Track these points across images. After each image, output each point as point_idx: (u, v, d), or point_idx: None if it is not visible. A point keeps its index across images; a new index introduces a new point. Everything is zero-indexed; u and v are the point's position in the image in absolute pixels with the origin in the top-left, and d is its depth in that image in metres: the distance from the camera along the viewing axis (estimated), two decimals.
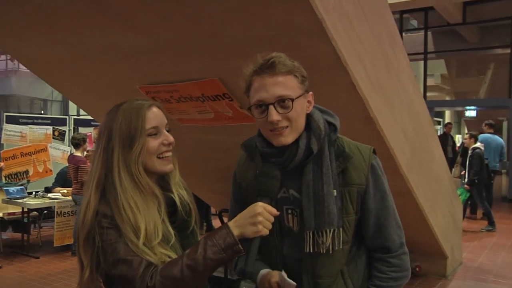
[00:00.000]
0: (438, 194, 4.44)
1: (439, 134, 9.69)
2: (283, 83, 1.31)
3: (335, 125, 1.44)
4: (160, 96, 3.53)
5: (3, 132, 6.64)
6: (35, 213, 6.50)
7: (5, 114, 6.83)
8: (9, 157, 6.43)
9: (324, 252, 1.37)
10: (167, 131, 1.36)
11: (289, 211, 1.42)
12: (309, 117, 1.40)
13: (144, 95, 3.53)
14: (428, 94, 16.50)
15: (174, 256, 1.26)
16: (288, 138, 1.34)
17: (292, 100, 1.31)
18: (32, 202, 5.92)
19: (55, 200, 5.95)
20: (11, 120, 6.70)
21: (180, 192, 1.39)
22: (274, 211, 1.26)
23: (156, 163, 1.32)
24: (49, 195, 6.22)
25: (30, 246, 6.19)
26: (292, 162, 1.37)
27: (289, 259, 1.42)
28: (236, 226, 1.23)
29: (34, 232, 6.78)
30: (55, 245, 5.76)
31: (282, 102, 1.31)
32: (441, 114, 19.45)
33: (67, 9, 2.76)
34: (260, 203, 1.25)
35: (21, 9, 2.91)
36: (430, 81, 17.46)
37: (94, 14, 2.74)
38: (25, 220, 6.18)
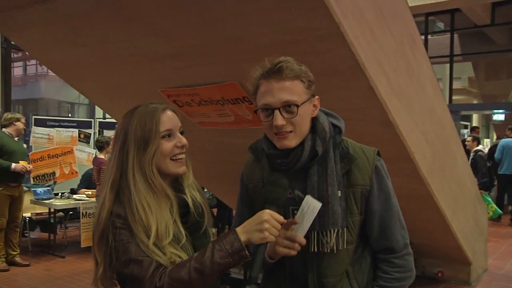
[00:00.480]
0: (460, 199, 4.37)
1: (464, 138, 9.50)
2: (290, 89, 1.33)
3: (340, 127, 1.47)
4: (181, 99, 3.59)
5: (32, 134, 6.83)
6: (61, 213, 6.66)
7: (34, 117, 7.03)
8: (37, 159, 6.62)
9: (329, 251, 1.39)
10: (181, 133, 1.40)
11: (295, 212, 1.44)
12: (314, 120, 1.42)
13: (166, 98, 3.59)
14: (454, 97, 16.21)
15: (184, 256, 1.29)
16: (291, 142, 1.37)
17: (298, 106, 1.33)
18: (58, 203, 6.08)
19: (80, 201, 6.08)
20: (39, 123, 6.89)
21: (193, 194, 1.43)
22: (281, 218, 1.28)
23: (170, 165, 1.36)
24: (74, 196, 6.37)
25: (56, 246, 6.36)
26: (297, 164, 1.40)
27: (294, 260, 1.44)
28: (244, 232, 1.26)
29: (60, 232, 6.95)
30: (82, 246, 5.85)
31: (287, 107, 1.33)
32: (468, 118, 19.06)
33: (90, 15, 2.85)
34: (267, 211, 1.27)
35: (47, 16, 3.01)
36: (457, 84, 17.15)
37: (116, 20, 2.82)
38: (52, 220, 6.35)
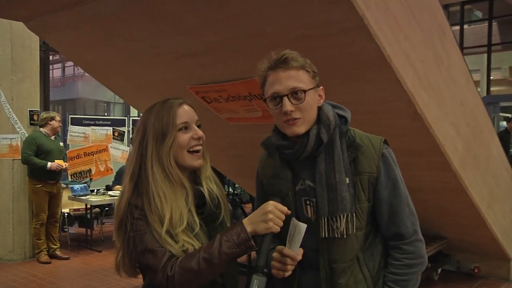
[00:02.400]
0: (496, 192, 4.24)
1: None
2: (296, 77, 1.40)
3: (346, 117, 1.51)
4: (209, 95, 3.64)
5: (69, 133, 7.06)
6: (97, 209, 6.87)
7: (70, 116, 7.25)
8: (74, 156, 6.83)
9: (339, 236, 1.42)
10: (198, 126, 1.45)
11: (307, 202, 1.48)
12: (319, 109, 1.47)
13: (194, 95, 3.65)
14: (494, 88, 15.65)
15: (196, 244, 1.34)
16: (301, 128, 1.42)
17: (305, 91, 1.40)
18: (94, 199, 6.26)
19: (115, 198, 6.24)
20: (75, 122, 7.10)
21: (210, 186, 1.48)
22: (284, 209, 1.33)
23: (187, 157, 1.41)
24: (110, 192, 6.54)
25: (93, 241, 6.57)
26: (304, 152, 1.44)
27: (305, 248, 1.46)
28: (249, 223, 1.30)
29: (97, 228, 7.17)
30: None
31: (295, 94, 1.40)
32: (508, 109, 18.40)
33: (118, 15, 2.93)
34: (271, 202, 1.32)
35: (78, 19, 3.12)
36: (496, 75, 16.56)
37: (143, 20, 2.89)
38: (88, 216, 6.55)
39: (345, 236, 1.42)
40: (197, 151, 1.43)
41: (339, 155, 1.44)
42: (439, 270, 4.82)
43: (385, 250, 1.52)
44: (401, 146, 3.22)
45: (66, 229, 6.77)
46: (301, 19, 2.49)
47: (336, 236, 1.42)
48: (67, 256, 5.84)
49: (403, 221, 1.47)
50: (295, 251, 1.37)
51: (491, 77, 14.23)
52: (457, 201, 3.80)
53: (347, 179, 1.43)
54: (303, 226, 1.34)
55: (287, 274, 1.37)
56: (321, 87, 1.49)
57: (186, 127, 1.42)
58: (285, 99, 1.39)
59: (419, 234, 1.50)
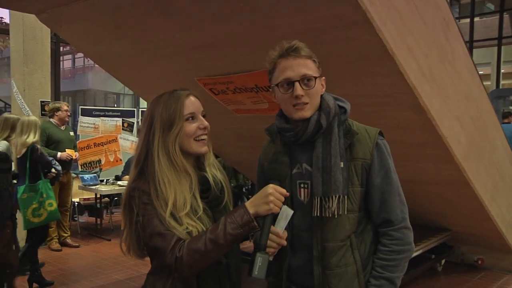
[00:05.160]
0: (500, 185, 4.27)
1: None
2: (306, 65, 1.52)
3: (345, 108, 1.60)
4: (217, 87, 3.71)
5: (79, 124, 7.16)
6: (106, 199, 6.99)
7: (80, 107, 7.36)
8: (84, 147, 6.93)
9: (330, 216, 1.50)
10: (203, 116, 1.54)
11: (301, 184, 1.58)
12: (321, 98, 1.58)
13: (202, 87, 3.71)
14: (505, 81, 15.50)
15: (199, 226, 1.42)
16: (307, 112, 1.53)
17: (315, 78, 1.51)
18: (104, 188, 6.38)
19: (124, 187, 6.34)
20: (85, 113, 7.20)
21: (213, 172, 1.57)
22: (284, 191, 1.42)
23: (193, 144, 1.50)
24: (119, 182, 6.65)
25: (103, 230, 6.72)
26: (304, 135, 1.54)
27: (298, 228, 1.57)
28: (252, 206, 1.39)
29: (106, 217, 7.31)
30: None
31: (306, 80, 1.51)
32: None
33: (129, 9, 3.00)
34: (271, 185, 1.41)
35: (90, 11, 3.19)
36: (508, 68, 16.38)
37: (153, 13, 2.95)
38: (98, 205, 6.67)
39: (336, 216, 1.50)
40: (204, 139, 1.51)
41: (336, 141, 1.53)
42: (443, 261, 4.89)
43: (376, 237, 1.60)
44: (405, 138, 3.28)
45: (76, 218, 6.91)
46: (307, 13, 2.54)
47: (328, 215, 1.50)
48: (77, 244, 5.98)
49: (393, 209, 1.54)
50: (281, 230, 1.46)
51: (502, 71, 14.11)
52: (460, 193, 3.84)
53: (342, 163, 1.52)
54: (290, 212, 1.46)
55: (272, 250, 1.44)
56: (323, 77, 1.59)
57: (192, 117, 1.50)
58: (297, 84, 1.50)
59: (408, 222, 1.57)
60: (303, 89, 1.50)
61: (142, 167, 1.48)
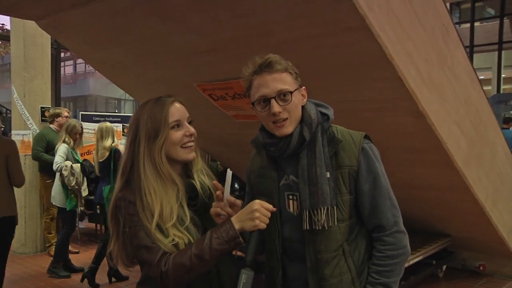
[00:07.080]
0: (501, 190, 4.26)
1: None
2: (281, 79, 1.46)
3: (328, 115, 1.56)
4: (216, 93, 3.70)
5: None
6: None
7: (81, 113, 7.37)
8: (84, 152, 6.93)
9: (319, 228, 1.48)
10: (189, 123, 1.51)
11: (290, 196, 1.54)
12: (302, 109, 1.53)
13: (202, 92, 3.71)
14: (505, 86, 15.48)
15: (185, 237, 1.41)
16: (289, 128, 1.49)
17: (291, 92, 1.45)
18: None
19: None
20: (86, 119, 7.21)
21: (201, 178, 1.55)
22: (270, 207, 1.40)
23: (180, 152, 1.48)
24: None
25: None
26: (288, 150, 1.51)
27: (289, 240, 1.55)
28: (237, 221, 1.37)
29: None
30: None
31: (282, 96, 1.45)
32: None
33: (128, 14, 3.00)
34: (257, 201, 1.39)
35: (89, 17, 3.20)
36: (508, 73, 16.37)
37: (152, 18, 2.95)
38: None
39: (326, 228, 1.48)
40: (191, 146, 1.50)
41: (320, 151, 1.50)
42: (444, 267, 4.86)
43: (370, 243, 1.57)
44: (405, 143, 3.27)
45: (76, 224, 6.88)
46: (306, 19, 2.54)
47: (318, 228, 1.48)
48: (77, 250, 5.96)
49: (384, 213, 1.51)
50: (227, 197, 1.44)
51: (503, 75, 14.11)
52: (461, 199, 3.83)
53: (328, 173, 1.48)
54: (229, 173, 1.41)
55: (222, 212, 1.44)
56: (303, 87, 1.54)
57: (178, 125, 1.48)
58: (273, 101, 1.45)
59: (400, 226, 1.54)
60: (280, 105, 1.45)
61: (128, 177, 1.46)
